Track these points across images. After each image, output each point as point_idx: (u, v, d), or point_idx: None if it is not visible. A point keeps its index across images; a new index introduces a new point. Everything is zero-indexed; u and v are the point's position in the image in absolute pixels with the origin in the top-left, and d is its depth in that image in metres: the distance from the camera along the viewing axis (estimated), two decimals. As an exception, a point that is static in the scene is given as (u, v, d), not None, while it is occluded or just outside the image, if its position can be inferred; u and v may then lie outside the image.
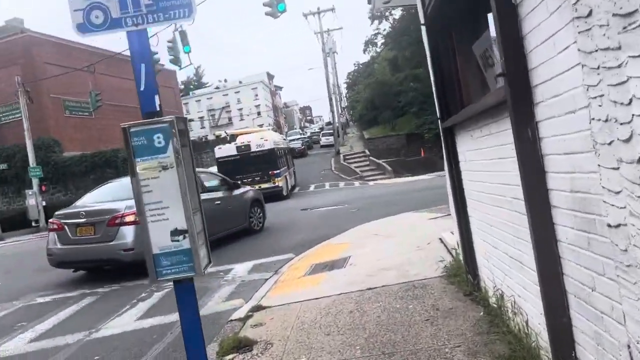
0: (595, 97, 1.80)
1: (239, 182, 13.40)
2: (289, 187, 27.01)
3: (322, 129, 79.55)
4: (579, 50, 1.85)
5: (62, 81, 33.71)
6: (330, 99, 49.83)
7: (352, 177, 35.41)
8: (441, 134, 4.96)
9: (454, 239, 6.02)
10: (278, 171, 23.18)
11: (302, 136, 68.48)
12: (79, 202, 9.79)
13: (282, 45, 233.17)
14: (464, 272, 4.83)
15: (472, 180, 4.16)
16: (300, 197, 24.06)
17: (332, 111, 51.03)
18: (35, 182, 28.51)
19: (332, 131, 52.75)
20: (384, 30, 50.67)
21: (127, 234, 8.26)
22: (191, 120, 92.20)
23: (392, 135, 47.41)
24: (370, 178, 34.80)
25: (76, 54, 36.50)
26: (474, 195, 4.23)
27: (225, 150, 23.68)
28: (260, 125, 77.47)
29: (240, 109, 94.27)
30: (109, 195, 9.36)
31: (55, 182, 35.31)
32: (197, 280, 3.11)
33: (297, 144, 55.12)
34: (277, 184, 22.78)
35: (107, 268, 9.03)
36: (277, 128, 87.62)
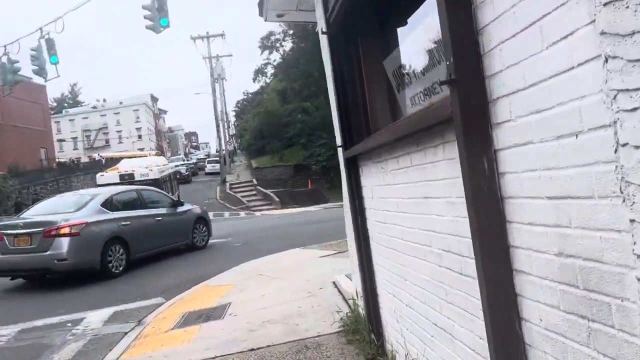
0: (629, 110, 1.10)
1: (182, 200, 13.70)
2: None
3: (208, 155, 77.09)
4: (602, 33, 1.15)
5: None
6: (218, 126, 48.43)
7: (238, 207, 34.13)
8: (342, 164, 4.25)
9: (351, 285, 5.28)
10: None
11: (186, 162, 65.74)
12: (21, 215, 10.70)
13: (169, 67, 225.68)
14: (366, 329, 4.07)
15: (382, 221, 3.43)
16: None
17: (219, 137, 49.55)
18: None
19: (218, 158, 51.08)
20: (274, 60, 50.84)
21: (62, 244, 8.78)
22: (62, 140, 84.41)
23: (280, 165, 47.08)
24: (257, 208, 33.80)
25: None
26: (382, 240, 3.50)
27: (107, 178, 23.09)
28: (141, 149, 73.03)
29: (119, 131, 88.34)
30: (48, 209, 10.10)
31: None
32: (34, 336, 1.97)
33: (180, 170, 52.60)
34: None
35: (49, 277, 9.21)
36: (160, 153, 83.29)
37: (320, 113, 44.18)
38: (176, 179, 35.35)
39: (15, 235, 9.07)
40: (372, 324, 3.89)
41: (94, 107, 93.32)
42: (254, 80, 53.19)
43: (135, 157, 50.97)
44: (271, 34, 49.07)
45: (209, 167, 58.92)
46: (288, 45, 49.82)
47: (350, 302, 4.97)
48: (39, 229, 8.89)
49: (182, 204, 12.01)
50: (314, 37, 38.04)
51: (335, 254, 7.94)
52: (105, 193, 10.34)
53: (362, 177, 3.86)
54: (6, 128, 43.00)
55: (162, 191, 13.79)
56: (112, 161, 60.91)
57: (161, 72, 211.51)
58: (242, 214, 31.07)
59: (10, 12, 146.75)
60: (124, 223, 9.67)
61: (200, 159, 73.61)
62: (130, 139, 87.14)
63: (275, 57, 50.97)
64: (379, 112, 3.59)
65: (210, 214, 31.18)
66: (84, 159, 69.45)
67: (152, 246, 10.23)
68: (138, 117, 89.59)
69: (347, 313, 4.73)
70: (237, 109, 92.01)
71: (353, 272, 4.94)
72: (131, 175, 22.85)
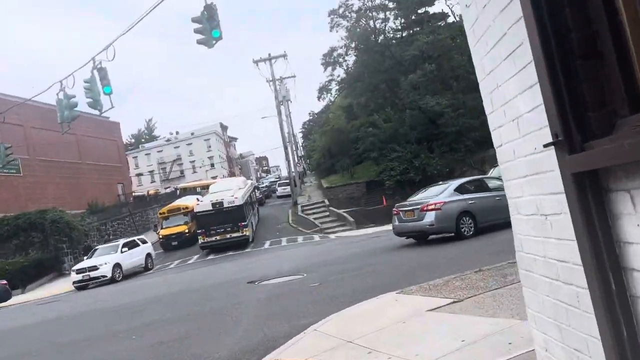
0: None
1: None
2: (254, 230, 32.63)
3: (278, 178, 76.63)
4: None
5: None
6: (286, 148, 47.27)
7: (312, 230, 32.28)
8: (560, 174, 2.07)
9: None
10: (245, 222, 28.13)
11: (259, 185, 65.65)
12: (410, 198, 15.31)
13: (237, 95, 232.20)
14: None
15: None
16: (251, 258, 20.73)
17: (287, 160, 48.37)
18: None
19: (288, 181, 49.91)
20: (338, 76, 49.22)
21: (431, 216, 12.78)
22: (140, 174, 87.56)
23: (351, 183, 44.98)
24: (331, 230, 31.78)
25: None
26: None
27: (202, 206, 28.36)
28: (214, 177, 73.86)
29: (192, 161, 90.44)
30: (424, 195, 14.51)
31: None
32: None
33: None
34: (244, 233, 27.96)
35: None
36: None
37: (390, 125, 41.78)
38: (255, 196, 41.94)
39: (405, 211, 13.74)
40: None
41: (168, 140, 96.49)
42: (319, 98, 51.91)
43: (207, 186, 51.33)
44: (333, 49, 47.60)
45: (279, 190, 58.11)
46: (351, 59, 48.12)
47: None
48: (417, 206, 13.23)
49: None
50: (378, 47, 35.92)
51: (450, 304, 5.64)
52: (457, 182, 14.36)
53: (616, 204, 1.66)
54: (84, 166, 44.30)
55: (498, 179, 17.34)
56: (186, 191, 61.88)
57: (230, 101, 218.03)
58: (316, 237, 29.18)
59: (67, 45, 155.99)
60: (471, 202, 13.07)
61: (272, 181, 73.30)
62: (204, 168, 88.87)
63: (339, 72, 49.38)
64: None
65: (283, 240, 29.78)
66: (162, 191, 70.94)
67: (494, 218, 12.55)
68: (209, 147, 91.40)
69: None
70: (303, 129, 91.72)
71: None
72: (221, 203, 27.76)
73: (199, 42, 13.12)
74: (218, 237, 27.51)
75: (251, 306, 8.47)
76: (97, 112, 17.09)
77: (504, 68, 2.24)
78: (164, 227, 32.91)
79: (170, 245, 31.62)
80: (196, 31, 13.14)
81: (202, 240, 27.88)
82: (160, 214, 34.91)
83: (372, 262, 11.39)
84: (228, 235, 27.49)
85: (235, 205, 27.65)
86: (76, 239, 32.12)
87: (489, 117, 2.70)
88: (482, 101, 2.72)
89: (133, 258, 23.88)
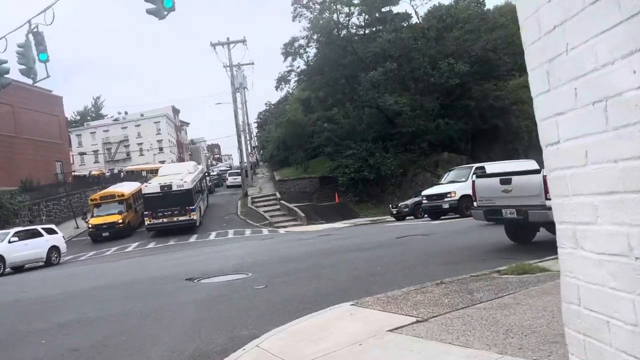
0: None
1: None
2: (202, 215, 32.80)
3: (230, 167, 74.63)
4: None
5: None
6: (239, 136, 45.91)
7: (261, 224, 31.30)
8: None
9: None
10: (193, 206, 28.42)
11: (210, 174, 63.66)
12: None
13: (192, 79, 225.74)
14: None
15: None
16: (193, 250, 19.56)
17: (240, 149, 47.05)
18: None
19: (239, 171, 48.51)
20: (298, 67, 48.20)
21: None
22: (83, 153, 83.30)
23: (304, 177, 44.20)
24: (281, 224, 30.92)
25: None
26: None
27: (150, 188, 28.56)
28: (162, 162, 71.10)
29: (140, 144, 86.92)
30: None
31: None
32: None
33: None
34: (192, 217, 28.33)
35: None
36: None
37: (348, 122, 41.23)
38: (206, 182, 42.63)
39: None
40: None
41: (116, 120, 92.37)
42: (277, 88, 50.70)
43: (154, 170, 49.07)
44: (294, 40, 46.53)
45: (230, 180, 56.59)
46: (312, 51, 47.18)
47: None
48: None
49: None
50: (340, 41, 35.21)
51: (413, 323, 4.93)
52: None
53: None
54: (18, 140, 41.25)
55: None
56: (133, 174, 59.05)
57: (184, 85, 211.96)
58: (265, 231, 28.25)
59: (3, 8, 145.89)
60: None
61: (222, 170, 71.38)
62: (152, 152, 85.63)
63: (299, 63, 48.37)
64: None
65: (230, 232, 28.61)
66: (107, 172, 67.45)
67: None
68: (159, 129, 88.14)
69: None
70: (259, 119, 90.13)
71: None
72: (169, 186, 28.05)
73: (149, 11, 11.90)
74: (165, 220, 27.91)
75: (186, 309, 7.50)
76: (38, 84, 15.48)
77: (587, 17, 1.48)
78: (94, 215, 30.21)
79: (100, 236, 28.96)
80: (146, 0, 11.92)
81: (148, 222, 28.33)
82: (91, 200, 32.08)
83: (324, 263, 10.61)
84: (175, 219, 27.89)
85: (184, 189, 27.92)
86: (4, 217, 29.71)
87: (540, 99, 1.89)
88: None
89: (27, 250, 20.40)
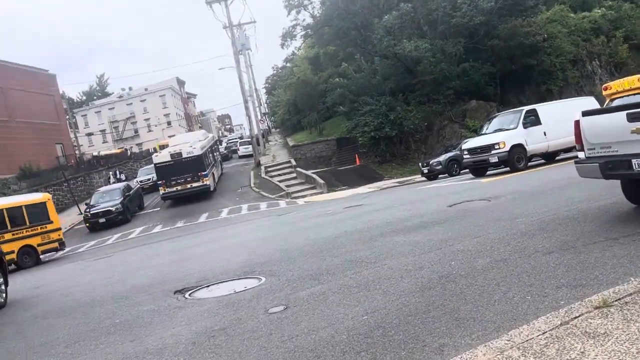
0: None
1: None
2: (216, 181, 33.51)
3: (241, 137, 71.52)
4: None
5: None
6: (246, 102, 42.46)
7: (277, 195, 28.28)
8: None
9: None
10: (205, 172, 28.46)
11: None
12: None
13: (196, 50, 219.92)
14: None
15: None
16: (201, 235, 16.70)
17: (248, 115, 43.76)
18: None
19: (250, 139, 45.32)
20: (303, 20, 44.07)
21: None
22: (90, 134, 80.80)
23: (320, 141, 40.78)
24: (299, 194, 27.88)
25: None
26: None
27: (160, 157, 28.76)
28: (171, 136, 68.22)
29: (147, 119, 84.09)
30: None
31: None
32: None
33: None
34: (205, 182, 28.35)
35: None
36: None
37: (361, 75, 37.39)
38: (218, 149, 43.40)
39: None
40: None
41: (120, 97, 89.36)
42: (282, 45, 46.87)
43: (166, 145, 46.17)
44: (297, -10, 42.21)
45: (242, 150, 53.59)
46: (317, 3, 42.91)
47: None
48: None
49: None
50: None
51: None
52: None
53: None
54: (13, 124, 38.52)
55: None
56: (141, 153, 56.39)
57: (189, 55, 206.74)
58: (283, 203, 25.25)
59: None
60: None
61: (233, 140, 68.17)
62: (160, 127, 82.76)
63: (304, 16, 44.22)
64: None
65: (243, 208, 25.54)
66: (115, 151, 64.86)
67: None
68: (165, 103, 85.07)
69: None
70: (267, 85, 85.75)
71: None
72: (179, 154, 28.02)
73: None
74: (179, 187, 28.02)
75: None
76: (27, 63, 12.38)
77: None
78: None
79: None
80: None
81: (163, 191, 28.37)
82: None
83: (364, 255, 7.47)
84: (189, 185, 27.98)
85: (194, 155, 27.89)
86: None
87: None
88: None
89: None
